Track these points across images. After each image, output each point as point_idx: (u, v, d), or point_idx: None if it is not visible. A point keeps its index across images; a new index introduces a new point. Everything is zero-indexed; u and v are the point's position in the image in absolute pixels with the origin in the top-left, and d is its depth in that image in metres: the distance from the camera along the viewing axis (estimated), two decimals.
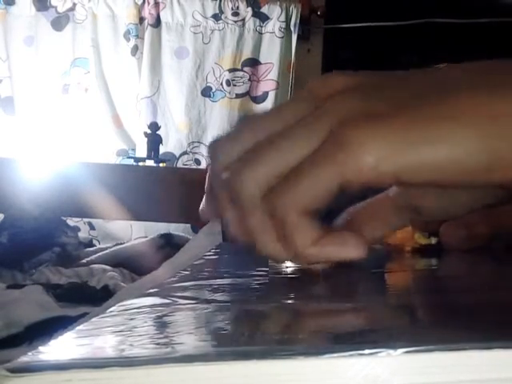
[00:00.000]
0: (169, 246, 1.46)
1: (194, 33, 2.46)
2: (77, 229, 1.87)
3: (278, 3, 2.45)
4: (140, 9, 2.47)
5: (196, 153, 2.48)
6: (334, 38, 2.59)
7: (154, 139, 2.26)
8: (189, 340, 0.21)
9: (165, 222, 2.05)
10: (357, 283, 0.35)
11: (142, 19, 2.47)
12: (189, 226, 2.10)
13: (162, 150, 2.33)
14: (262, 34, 2.47)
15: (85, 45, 2.46)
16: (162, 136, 2.30)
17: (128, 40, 2.46)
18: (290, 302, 0.29)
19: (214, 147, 0.34)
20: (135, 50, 2.46)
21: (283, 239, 0.31)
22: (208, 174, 0.37)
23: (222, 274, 0.35)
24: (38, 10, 2.46)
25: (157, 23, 2.47)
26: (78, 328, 0.22)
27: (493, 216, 0.43)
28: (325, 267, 0.34)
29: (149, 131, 2.27)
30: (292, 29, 2.45)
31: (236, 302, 0.28)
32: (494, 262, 0.42)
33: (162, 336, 0.22)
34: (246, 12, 2.46)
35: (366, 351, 0.18)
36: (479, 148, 0.28)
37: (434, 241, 0.39)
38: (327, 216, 0.35)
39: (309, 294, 0.31)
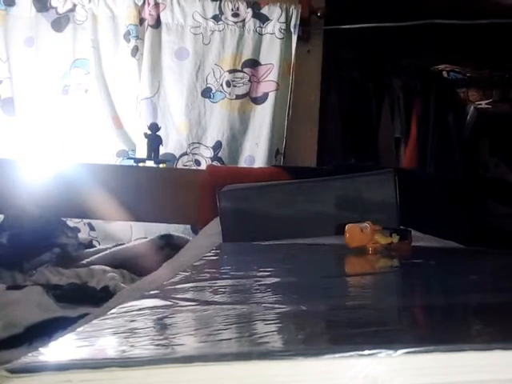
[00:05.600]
0: (169, 246, 1.46)
1: (194, 34, 2.46)
2: (77, 230, 1.87)
3: (278, 4, 2.45)
4: (140, 10, 2.47)
5: (196, 154, 2.47)
6: (333, 39, 2.59)
7: (154, 140, 2.26)
8: (189, 341, 0.21)
9: (165, 223, 2.04)
10: (353, 285, 0.35)
11: (142, 20, 2.47)
12: (189, 226, 2.10)
13: (162, 150, 2.33)
14: (262, 35, 2.47)
15: (85, 46, 2.46)
16: (162, 137, 2.30)
17: (128, 41, 2.46)
18: (289, 302, 0.29)
19: None
20: (135, 50, 2.46)
21: None
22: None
23: (222, 275, 0.35)
24: (39, 10, 2.46)
25: (157, 24, 2.47)
26: (78, 329, 0.22)
27: None
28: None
29: (149, 132, 2.26)
30: (292, 30, 2.45)
31: (236, 303, 0.28)
32: (488, 262, 0.42)
33: (162, 337, 0.22)
34: (246, 13, 2.46)
35: (366, 352, 0.18)
36: None
37: (395, 239, 0.39)
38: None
39: (308, 295, 0.31)
